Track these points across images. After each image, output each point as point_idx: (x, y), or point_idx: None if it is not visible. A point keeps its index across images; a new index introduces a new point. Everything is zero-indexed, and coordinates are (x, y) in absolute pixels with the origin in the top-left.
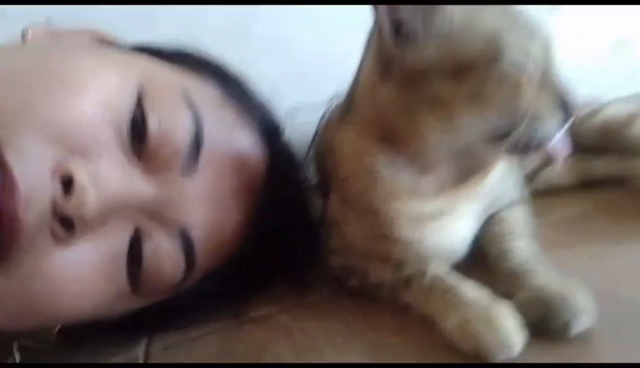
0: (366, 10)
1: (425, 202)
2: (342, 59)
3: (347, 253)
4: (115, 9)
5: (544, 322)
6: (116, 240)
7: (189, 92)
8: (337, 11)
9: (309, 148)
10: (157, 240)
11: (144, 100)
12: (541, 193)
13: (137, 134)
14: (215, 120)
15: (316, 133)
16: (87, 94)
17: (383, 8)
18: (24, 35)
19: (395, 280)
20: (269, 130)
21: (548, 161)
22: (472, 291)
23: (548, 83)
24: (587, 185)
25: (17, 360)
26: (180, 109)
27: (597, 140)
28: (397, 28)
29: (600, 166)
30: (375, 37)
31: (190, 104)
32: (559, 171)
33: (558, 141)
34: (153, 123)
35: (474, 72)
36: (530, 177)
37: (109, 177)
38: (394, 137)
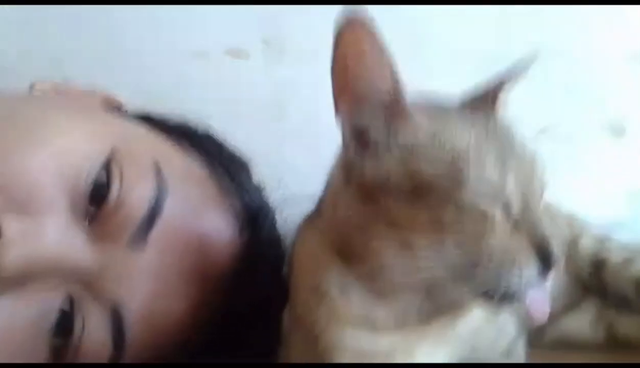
0: None
1: (377, 336)
2: None
3: None
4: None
5: None
6: (43, 305)
7: (162, 164)
8: None
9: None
10: (87, 313)
11: (112, 165)
12: (560, 345)
13: (96, 197)
14: (185, 197)
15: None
16: (45, 147)
17: (344, 111)
18: (31, 88)
19: None
20: (254, 218)
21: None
22: None
23: (526, 224)
24: (616, 345)
25: None
26: (146, 179)
27: (629, 293)
28: (360, 134)
29: (631, 326)
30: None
31: (158, 175)
32: (580, 325)
33: (536, 298)
34: (114, 189)
35: (434, 196)
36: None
37: (43, 235)
38: (351, 253)
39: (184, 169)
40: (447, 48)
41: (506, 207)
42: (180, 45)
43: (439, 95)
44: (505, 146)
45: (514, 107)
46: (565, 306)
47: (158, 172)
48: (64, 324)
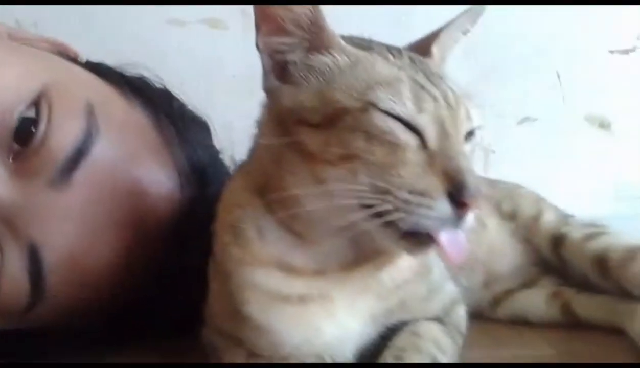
0: None
1: (293, 278)
2: None
3: (210, 327)
4: None
5: None
6: None
7: (97, 107)
8: None
9: None
10: (5, 252)
11: (41, 102)
12: (517, 322)
13: (22, 135)
14: (119, 142)
15: None
16: None
17: (265, 41)
18: None
19: None
20: (200, 176)
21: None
22: None
23: (442, 158)
24: (572, 324)
25: None
26: (75, 119)
27: (588, 271)
28: (280, 65)
29: (588, 306)
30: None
31: (90, 117)
32: (535, 302)
33: (452, 238)
34: (41, 127)
35: (346, 124)
36: None
37: None
38: (270, 191)
39: (123, 116)
40: None
41: (422, 140)
42: (159, 13)
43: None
44: (425, 84)
45: (499, 96)
46: (523, 283)
47: (90, 113)
48: None
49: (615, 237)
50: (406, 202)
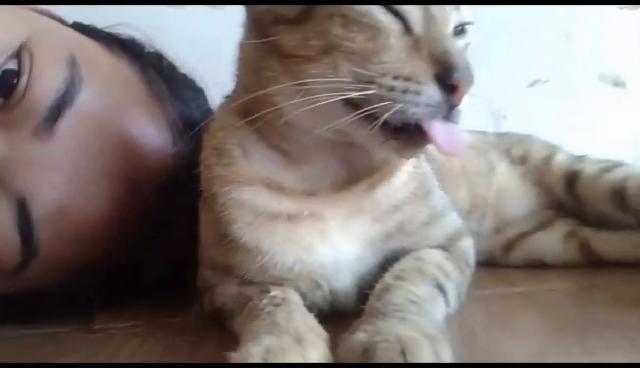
0: None
1: (281, 197)
2: None
3: (203, 264)
4: None
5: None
6: None
7: (81, 58)
8: None
9: None
10: None
11: (23, 54)
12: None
13: (5, 86)
14: (105, 93)
15: None
16: None
17: None
18: None
19: (235, 304)
20: (190, 130)
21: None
22: (295, 320)
23: (428, 42)
24: (593, 264)
25: None
26: (57, 68)
27: (605, 206)
28: None
29: (608, 242)
30: None
31: (73, 67)
32: (551, 243)
33: (444, 128)
34: (24, 78)
35: (321, 12)
36: None
37: None
38: (254, 109)
39: (108, 68)
40: None
41: (406, 25)
42: None
43: None
44: None
45: (507, 59)
46: (537, 226)
47: (72, 64)
48: None
49: (632, 168)
50: (392, 89)
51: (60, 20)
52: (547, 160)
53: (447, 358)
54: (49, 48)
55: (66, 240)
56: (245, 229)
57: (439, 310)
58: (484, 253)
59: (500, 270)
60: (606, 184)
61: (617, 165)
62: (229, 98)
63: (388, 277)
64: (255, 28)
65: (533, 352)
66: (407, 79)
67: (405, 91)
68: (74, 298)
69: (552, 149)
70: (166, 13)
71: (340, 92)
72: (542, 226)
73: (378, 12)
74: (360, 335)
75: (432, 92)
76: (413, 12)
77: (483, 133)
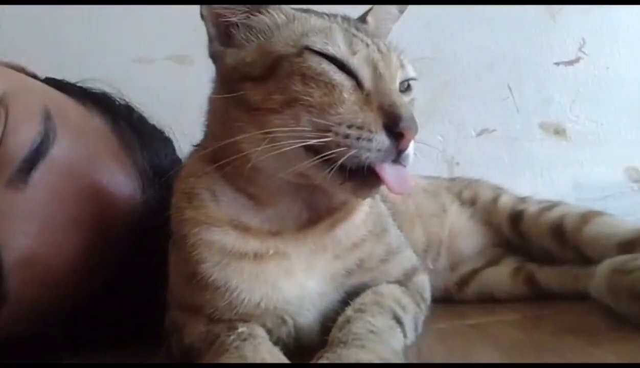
0: None
1: (248, 237)
2: None
3: (171, 306)
4: None
5: None
6: None
7: (55, 112)
8: None
9: None
10: None
11: None
12: (484, 298)
13: None
14: (79, 146)
15: None
16: None
17: (210, 7)
18: None
19: (203, 343)
20: (159, 178)
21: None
22: (262, 352)
23: (377, 96)
24: (539, 296)
25: None
26: (32, 122)
27: (547, 242)
28: (223, 31)
29: (551, 275)
30: None
31: (47, 121)
32: (499, 277)
33: (394, 170)
34: None
35: (283, 70)
36: None
37: None
38: (222, 156)
39: (80, 121)
40: None
41: (357, 82)
42: (125, 51)
43: None
44: (357, 34)
45: (456, 110)
46: (487, 262)
47: (47, 117)
48: None
49: (568, 207)
50: (347, 136)
51: (34, 76)
52: (494, 201)
53: None
54: (24, 102)
55: (36, 285)
56: (214, 268)
57: (397, 340)
58: (440, 289)
59: (454, 305)
60: (547, 221)
61: (555, 204)
62: (198, 146)
63: (349, 310)
64: (224, 84)
65: None
66: (360, 127)
67: (358, 138)
68: (42, 344)
69: (498, 191)
70: (135, 68)
71: (302, 139)
72: (492, 262)
73: (332, 72)
74: (322, 361)
75: (382, 139)
76: (363, 70)
77: (436, 178)
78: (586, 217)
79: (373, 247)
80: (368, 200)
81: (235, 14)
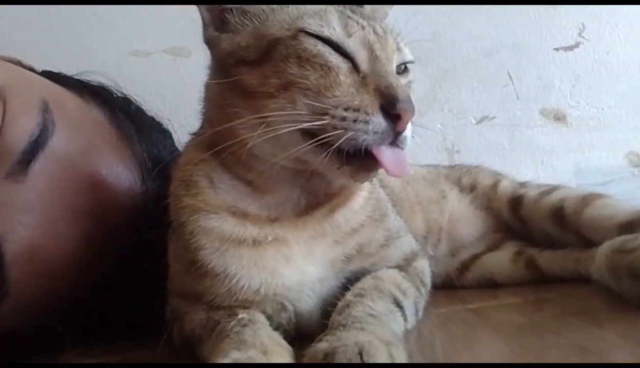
0: None
1: (247, 223)
2: None
3: (172, 294)
4: None
5: None
6: None
7: (52, 104)
8: None
9: None
10: None
11: None
12: (485, 283)
13: None
14: (77, 137)
15: None
16: None
17: None
18: None
19: (204, 329)
20: (158, 168)
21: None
22: (262, 336)
23: (373, 78)
24: (540, 280)
25: None
26: (30, 114)
27: (547, 226)
28: (218, 16)
29: (551, 259)
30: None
31: (45, 112)
32: (500, 262)
33: (391, 153)
34: None
35: (279, 54)
36: None
37: None
38: (220, 142)
39: (79, 113)
40: None
41: (353, 64)
42: (121, 44)
43: None
44: (353, 16)
45: (456, 98)
46: (487, 247)
47: (45, 109)
48: None
49: (569, 190)
50: (343, 118)
51: (31, 69)
52: (494, 186)
53: (401, 359)
54: (22, 94)
55: (37, 277)
56: (213, 254)
57: (397, 323)
58: (441, 276)
59: (455, 290)
60: (547, 205)
61: (555, 188)
62: (195, 134)
63: (349, 295)
64: (220, 69)
65: (488, 359)
66: (357, 110)
67: (355, 120)
68: (44, 335)
69: (498, 177)
70: (132, 61)
71: (298, 123)
72: (492, 248)
73: (328, 54)
74: (322, 344)
75: (379, 121)
76: (359, 53)
77: (435, 166)
78: (586, 199)
79: (372, 232)
80: (367, 185)
81: (231, 10)
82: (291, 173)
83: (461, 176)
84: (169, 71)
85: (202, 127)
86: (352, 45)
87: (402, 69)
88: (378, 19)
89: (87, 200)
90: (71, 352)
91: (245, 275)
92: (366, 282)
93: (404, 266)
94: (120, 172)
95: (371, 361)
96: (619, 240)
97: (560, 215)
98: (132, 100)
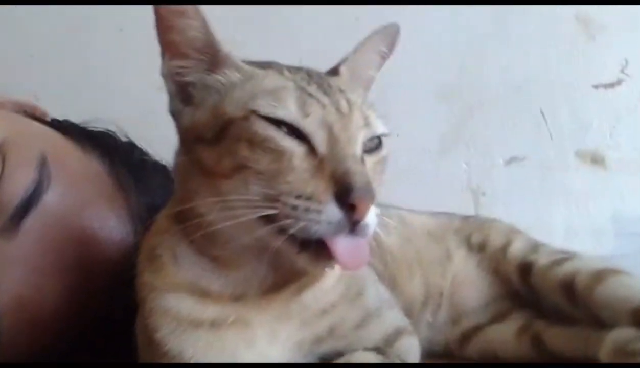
0: None
1: (206, 304)
2: None
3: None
4: None
5: None
6: None
7: (51, 158)
8: None
9: None
10: None
11: None
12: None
13: None
14: (73, 192)
15: None
16: None
17: (169, 69)
18: None
19: None
20: (148, 218)
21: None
22: None
23: (331, 163)
24: (546, 359)
25: None
26: (27, 169)
27: (557, 298)
28: (182, 90)
29: (559, 337)
30: None
31: (43, 167)
32: (504, 336)
33: (345, 246)
34: None
35: (231, 135)
36: None
37: None
38: (184, 216)
39: (77, 165)
40: (409, 76)
41: (311, 146)
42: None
43: None
44: (314, 93)
45: (483, 137)
46: (493, 317)
47: (43, 164)
48: None
49: (582, 262)
50: (294, 207)
51: (42, 116)
52: (504, 248)
53: None
54: (22, 149)
55: (27, 325)
56: (169, 336)
57: None
58: (441, 344)
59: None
60: (557, 276)
61: (568, 258)
62: (171, 201)
63: None
64: (182, 144)
65: None
66: (309, 198)
67: (306, 210)
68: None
69: (511, 236)
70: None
71: (252, 208)
72: (497, 318)
73: (279, 138)
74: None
75: (332, 211)
76: (317, 134)
77: (449, 216)
78: (600, 275)
79: (346, 312)
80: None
81: (191, 73)
82: (257, 250)
83: (472, 232)
84: None
85: (172, 197)
86: (309, 126)
87: (375, 145)
88: (359, 86)
89: (75, 255)
90: None
91: (201, 359)
92: None
93: (384, 347)
94: (112, 226)
95: None
96: (623, 337)
97: (570, 289)
98: (136, 145)
